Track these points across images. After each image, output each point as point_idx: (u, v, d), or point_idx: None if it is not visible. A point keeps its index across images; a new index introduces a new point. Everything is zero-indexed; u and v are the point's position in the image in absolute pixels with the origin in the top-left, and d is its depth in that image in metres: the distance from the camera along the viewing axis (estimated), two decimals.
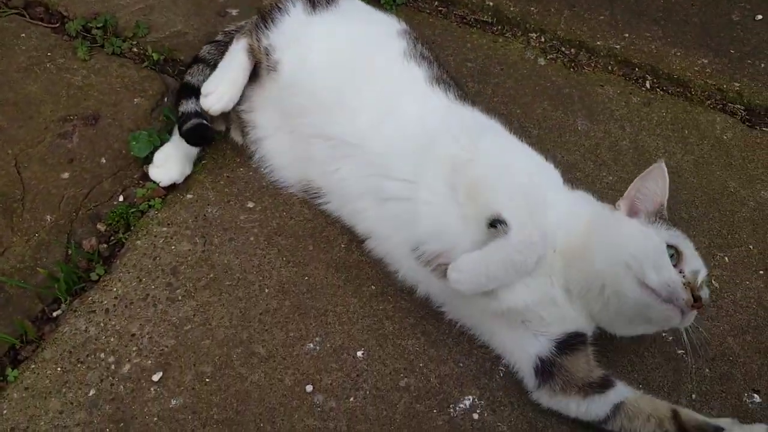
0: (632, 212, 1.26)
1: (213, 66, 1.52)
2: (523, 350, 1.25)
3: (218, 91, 1.43)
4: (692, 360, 1.33)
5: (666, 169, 1.25)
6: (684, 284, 1.13)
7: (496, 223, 1.12)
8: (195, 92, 1.48)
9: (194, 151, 1.53)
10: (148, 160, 1.51)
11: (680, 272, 1.15)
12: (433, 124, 1.30)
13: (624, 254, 1.16)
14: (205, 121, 1.47)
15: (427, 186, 1.24)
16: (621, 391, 1.22)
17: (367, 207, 1.34)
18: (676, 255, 1.18)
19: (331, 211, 1.45)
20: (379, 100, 1.34)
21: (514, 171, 1.23)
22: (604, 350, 1.35)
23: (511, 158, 1.29)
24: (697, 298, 1.13)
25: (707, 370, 1.36)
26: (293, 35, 1.43)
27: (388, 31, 1.48)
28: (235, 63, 1.46)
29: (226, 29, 1.65)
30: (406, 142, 1.29)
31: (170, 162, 1.49)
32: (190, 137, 1.46)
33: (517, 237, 1.10)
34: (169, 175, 1.49)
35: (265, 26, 1.46)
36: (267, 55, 1.44)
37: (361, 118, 1.33)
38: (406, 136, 1.30)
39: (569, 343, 1.22)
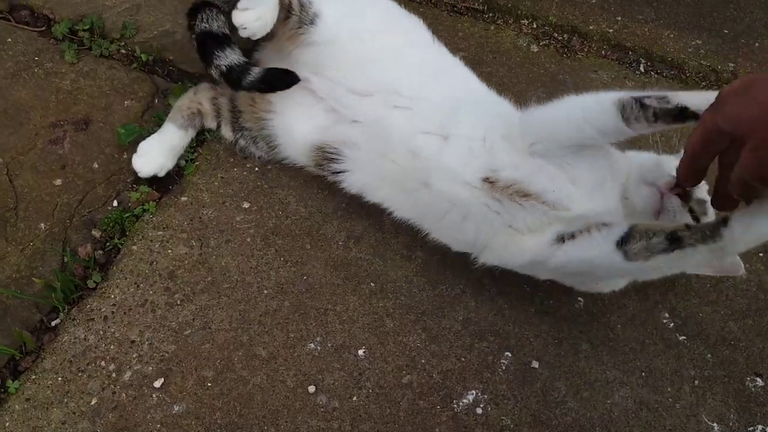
0: None
1: (221, 8, 1.37)
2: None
3: (258, 10, 1.28)
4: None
5: None
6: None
7: None
8: (222, 41, 1.34)
9: (179, 144, 1.51)
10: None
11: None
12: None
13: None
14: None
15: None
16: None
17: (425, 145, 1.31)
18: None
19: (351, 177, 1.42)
20: (430, 66, 1.42)
21: None
22: (606, 339, 1.36)
23: None
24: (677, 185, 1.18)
25: (709, 355, 1.36)
26: None
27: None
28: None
29: None
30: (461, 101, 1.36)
31: (153, 152, 1.48)
32: (274, 83, 1.36)
33: None
34: (149, 166, 1.47)
35: None
36: (302, 6, 1.36)
37: (412, 77, 1.37)
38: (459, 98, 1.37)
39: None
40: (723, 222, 1.00)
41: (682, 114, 1.04)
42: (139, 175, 1.47)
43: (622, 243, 1.11)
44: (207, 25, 1.36)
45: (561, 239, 1.20)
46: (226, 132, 1.54)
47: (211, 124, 1.55)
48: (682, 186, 1.17)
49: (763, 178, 0.78)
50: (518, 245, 1.25)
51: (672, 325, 1.39)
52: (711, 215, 1.21)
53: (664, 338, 1.38)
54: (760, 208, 0.94)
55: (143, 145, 1.49)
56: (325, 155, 1.40)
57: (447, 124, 1.30)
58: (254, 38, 1.32)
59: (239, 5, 1.28)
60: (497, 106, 1.39)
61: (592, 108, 1.15)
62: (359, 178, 1.40)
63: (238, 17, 1.27)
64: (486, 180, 1.24)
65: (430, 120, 1.32)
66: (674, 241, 1.06)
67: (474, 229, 1.28)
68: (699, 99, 1.01)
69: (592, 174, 1.22)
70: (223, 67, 1.34)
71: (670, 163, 1.23)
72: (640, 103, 1.07)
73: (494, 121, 1.29)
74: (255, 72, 1.33)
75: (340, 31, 1.38)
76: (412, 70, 1.38)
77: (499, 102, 1.40)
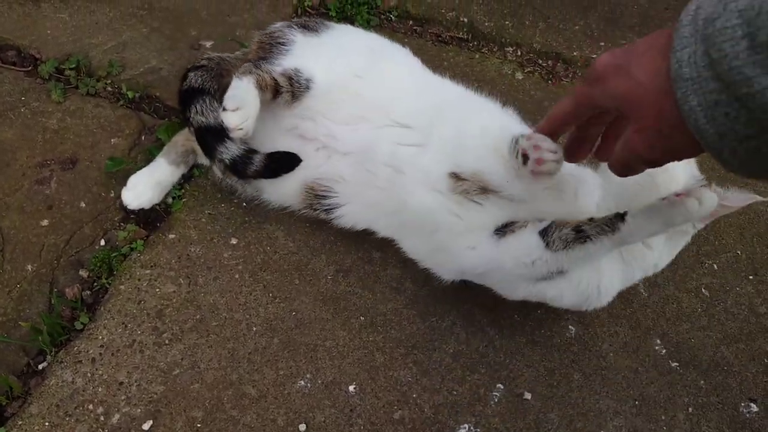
0: None
1: (213, 94, 1.42)
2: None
3: (245, 110, 1.28)
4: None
5: None
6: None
7: None
8: (221, 133, 1.36)
9: (169, 180, 1.51)
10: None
11: None
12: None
13: None
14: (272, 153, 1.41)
15: None
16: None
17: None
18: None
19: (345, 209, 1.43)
20: (415, 85, 1.45)
21: None
22: (598, 368, 1.35)
23: None
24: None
25: (702, 381, 1.36)
26: (314, 53, 1.43)
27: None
28: (250, 91, 1.32)
29: (206, 56, 1.56)
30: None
31: (141, 186, 1.48)
32: (278, 169, 1.41)
33: None
34: (139, 200, 1.47)
35: (272, 59, 1.41)
36: (291, 79, 1.37)
37: (399, 99, 1.39)
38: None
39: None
40: (620, 217, 1.10)
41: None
42: (127, 207, 1.47)
43: (544, 233, 1.18)
44: (204, 119, 1.38)
45: (502, 232, 1.24)
46: (217, 170, 1.53)
47: (203, 160, 1.55)
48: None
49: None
50: (467, 247, 1.28)
51: (664, 351, 1.39)
52: None
53: (657, 365, 1.37)
54: (652, 208, 1.07)
55: (133, 179, 1.49)
56: (317, 194, 1.41)
57: (425, 134, 1.33)
58: (246, 137, 1.32)
59: (227, 104, 1.28)
60: (478, 106, 1.42)
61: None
62: (350, 209, 1.41)
63: (230, 119, 1.27)
64: (452, 175, 1.26)
65: (411, 133, 1.35)
66: (579, 232, 1.14)
67: (442, 241, 1.31)
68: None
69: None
70: (227, 161, 1.38)
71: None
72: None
73: (471, 124, 1.31)
74: (257, 161, 1.38)
75: (331, 82, 1.40)
76: (398, 93, 1.40)
77: (481, 105, 1.42)
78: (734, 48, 0.58)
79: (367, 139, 1.37)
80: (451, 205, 1.27)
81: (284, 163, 1.41)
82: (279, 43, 1.44)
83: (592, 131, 0.90)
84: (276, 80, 1.35)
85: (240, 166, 1.38)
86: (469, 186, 1.25)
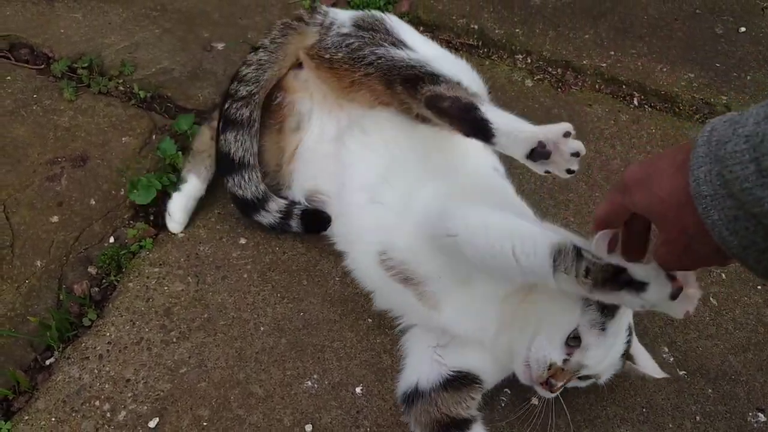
0: None
1: (253, 166, 1.40)
2: (414, 371, 1.26)
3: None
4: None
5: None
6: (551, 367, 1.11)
7: None
8: (258, 206, 1.41)
9: (199, 195, 1.50)
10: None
11: (567, 355, 1.11)
12: None
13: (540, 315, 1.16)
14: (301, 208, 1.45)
15: None
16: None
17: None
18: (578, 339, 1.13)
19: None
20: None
21: None
22: None
23: None
24: (551, 384, 1.11)
25: (710, 390, 1.35)
26: None
27: None
28: None
29: (238, 92, 1.41)
30: None
31: (179, 213, 1.48)
32: (312, 229, 1.47)
33: None
34: (182, 225, 1.49)
35: None
36: None
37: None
38: None
39: (458, 380, 1.23)
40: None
41: (618, 278, 0.95)
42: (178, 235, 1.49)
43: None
44: (242, 192, 1.40)
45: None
46: None
47: None
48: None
49: (682, 268, 0.88)
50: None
51: (672, 359, 1.38)
52: None
53: (665, 373, 1.36)
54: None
55: (172, 207, 1.47)
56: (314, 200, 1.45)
57: (379, 188, 1.32)
58: None
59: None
60: (438, 182, 1.31)
61: (527, 249, 1.05)
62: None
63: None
64: (381, 254, 1.28)
65: (378, 178, 1.34)
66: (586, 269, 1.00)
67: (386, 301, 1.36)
68: (643, 271, 0.94)
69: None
70: (265, 225, 1.44)
71: None
72: (577, 251, 1.00)
73: (422, 200, 1.27)
74: (294, 225, 1.43)
75: None
76: (406, 130, 1.37)
77: (446, 178, 1.32)
78: (744, 171, 0.62)
79: (348, 158, 1.40)
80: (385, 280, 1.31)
81: (318, 224, 1.44)
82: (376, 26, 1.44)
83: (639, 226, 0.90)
84: None
85: (278, 230, 1.45)
86: (395, 268, 1.29)
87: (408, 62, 1.29)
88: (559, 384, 1.11)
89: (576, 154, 1.06)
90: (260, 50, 1.42)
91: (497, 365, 1.24)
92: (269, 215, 1.42)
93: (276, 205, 1.42)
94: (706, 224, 0.67)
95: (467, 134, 1.17)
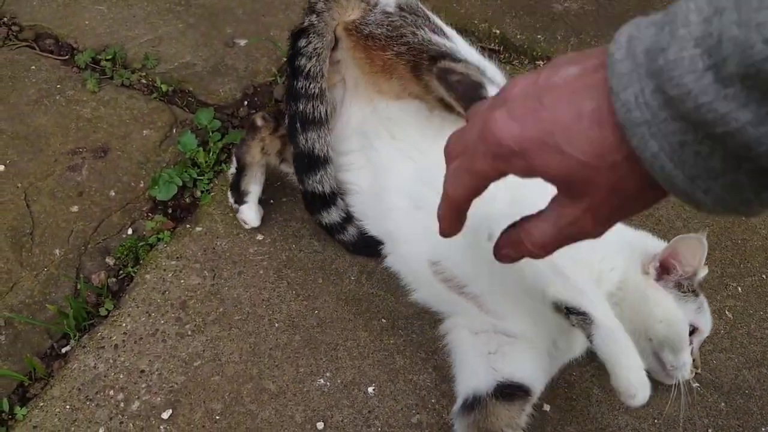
0: (660, 276, 1.24)
1: (326, 121, 1.34)
2: (468, 377, 1.25)
3: None
4: (686, 399, 1.29)
5: (707, 243, 1.22)
6: (693, 365, 1.19)
7: None
8: (328, 201, 1.39)
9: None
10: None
11: (690, 344, 1.20)
12: None
13: (649, 329, 1.20)
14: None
15: None
16: None
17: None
18: (694, 331, 1.22)
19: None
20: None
21: None
22: None
23: None
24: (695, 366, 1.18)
25: (722, 404, 1.34)
26: None
27: None
28: None
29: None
30: None
31: (254, 219, 1.49)
32: (361, 251, 1.47)
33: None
34: (256, 223, 1.50)
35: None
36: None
37: (432, 138, 1.37)
38: None
39: (511, 391, 1.21)
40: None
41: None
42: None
43: None
44: (321, 188, 1.37)
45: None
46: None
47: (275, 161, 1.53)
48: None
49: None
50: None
51: None
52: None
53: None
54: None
55: (246, 217, 1.48)
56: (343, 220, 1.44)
57: (424, 194, 1.30)
58: None
59: None
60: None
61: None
62: (360, 210, 1.44)
63: None
64: (434, 264, 1.28)
65: (417, 182, 1.33)
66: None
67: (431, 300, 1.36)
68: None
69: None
70: (324, 223, 1.42)
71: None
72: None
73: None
74: (349, 234, 1.44)
75: None
76: (434, 133, 1.35)
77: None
78: (699, 83, 0.47)
79: (390, 158, 1.40)
80: (435, 287, 1.32)
81: (367, 248, 1.44)
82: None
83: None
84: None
85: (333, 231, 1.44)
86: (448, 277, 1.30)
87: (441, 45, 1.28)
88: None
89: None
90: (311, 34, 1.32)
91: (549, 372, 1.26)
92: (336, 212, 1.40)
93: (343, 203, 1.42)
94: (643, 158, 0.51)
95: (467, 111, 1.14)
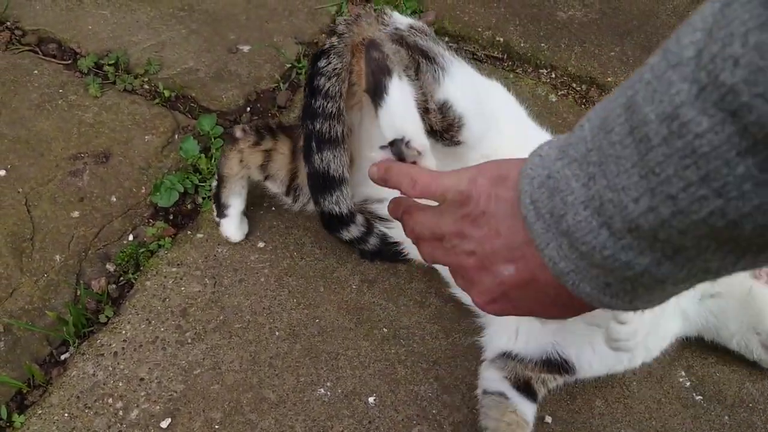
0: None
1: (348, 182, 1.33)
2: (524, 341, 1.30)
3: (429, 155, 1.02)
4: None
5: None
6: None
7: None
8: (347, 221, 1.36)
9: (243, 208, 1.48)
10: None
11: None
12: None
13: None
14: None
15: None
16: None
17: None
18: None
19: None
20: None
21: None
22: (621, 396, 1.33)
23: None
24: None
25: (726, 417, 1.33)
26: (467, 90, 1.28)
27: None
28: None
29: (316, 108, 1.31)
30: None
31: (236, 234, 1.48)
32: (384, 258, 1.48)
33: None
34: (238, 239, 1.49)
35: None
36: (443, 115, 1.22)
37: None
38: None
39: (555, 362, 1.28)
40: None
41: None
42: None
43: None
44: (338, 209, 1.34)
45: None
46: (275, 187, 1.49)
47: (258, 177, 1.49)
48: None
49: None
50: None
51: (689, 384, 1.37)
52: None
53: (681, 397, 1.35)
54: None
55: (227, 232, 1.47)
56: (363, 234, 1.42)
57: None
58: None
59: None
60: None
61: None
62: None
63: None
64: None
65: None
66: None
67: None
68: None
69: None
70: (345, 238, 1.41)
71: None
72: None
73: None
74: (371, 244, 1.43)
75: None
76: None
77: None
78: (597, 239, 0.55)
79: None
80: None
81: (389, 257, 1.46)
82: (426, 34, 1.35)
83: None
84: (427, 107, 1.21)
85: (354, 245, 1.44)
86: None
87: (435, 50, 1.26)
88: None
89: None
90: (331, 55, 1.31)
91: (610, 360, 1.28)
92: (355, 228, 1.38)
93: (361, 218, 1.40)
94: (582, 297, 0.60)
95: (366, 89, 1.10)
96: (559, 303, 0.65)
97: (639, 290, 0.57)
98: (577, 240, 0.56)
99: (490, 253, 0.67)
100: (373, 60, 1.11)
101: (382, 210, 1.38)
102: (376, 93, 1.05)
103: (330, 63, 1.31)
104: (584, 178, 0.55)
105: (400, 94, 1.05)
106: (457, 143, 1.22)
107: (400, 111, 1.04)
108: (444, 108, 1.20)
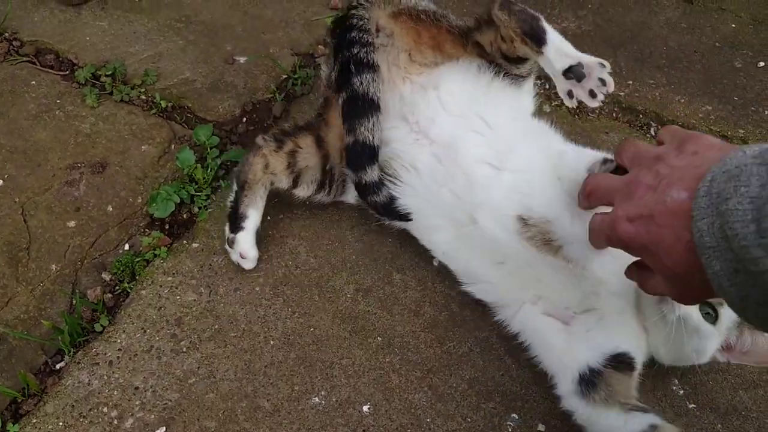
0: None
1: (377, 71, 1.37)
2: (572, 357, 1.26)
3: None
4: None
5: None
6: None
7: None
8: (374, 155, 1.37)
9: (258, 225, 1.46)
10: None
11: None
12: None
13: None
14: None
15: None
16: (657, 418, 1.19)
17: None
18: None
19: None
20: (513, 110, 1.47)
21: None
22: None
23: None
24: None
25: (719, 425, 1.34)
26: None
27: None
28: None
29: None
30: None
31: (251, 251, 1.44)
32: (390, 215, 1.43)
33: None
34: (253, 262, 1.46)
35: None
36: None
37: (496, 112, 1.42)
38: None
39: (618, 360, 1.24)
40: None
41: None
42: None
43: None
44: (371, 137, 1.34)
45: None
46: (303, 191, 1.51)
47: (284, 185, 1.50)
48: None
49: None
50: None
51: (682, 392, 1.37)
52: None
53: (674, 406, 1.35)
54: None
55: (244, 248, 1.42)
56: (385, 172, 1.42)
57: (505, 158, 1.33)
58: None
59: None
60: (557, 146, 1.38)
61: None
62: (412, 203, 1.40)
63: None
64: (520, 218, 1.27)
65: (493, 151, 1.34)
66: None
67: (508, 280, 1.34)
68: None
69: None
70: (364, 180, 1.37)
71: None
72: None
73: (549, 161, 1.30)
74: (382, 196, 1.39)
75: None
76: (496, 106, 1.40)
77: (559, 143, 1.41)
78: (744, 230, 0.64)
79: (455, 134, 1.37)
80: (521, 249, 1.28)
81: (398, 214, 1.41)
82: None
83: None
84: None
85: (368, 191, 1.38)
86: (535, 233, 1.26)
87: None
88: None
89: (603, 82, 1.23)
90: (355, 18, 1.41)
91: (644, 342, 1.28)
92: (375, 172, 1.37)
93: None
94: (708, 274, 0.70)
95: (524, 33, 1.29)
96: (678, 264, 0.77)
97: (755, 290, 0.66)
98: (728, 223, 0.66)
99: (676, 178, 0.78)
100: (519, 11, 1.30)
101: (411, 179, 1.41)
102: (536, 35, 1.29)
103: (360, 14, 1.41)
104: (764, 180, 0.65)
105: (551, 29, 1.30)
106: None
107: (563, 42, 1.30)
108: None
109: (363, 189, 1.39)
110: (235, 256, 1.44)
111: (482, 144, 1.36)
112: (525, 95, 1.48)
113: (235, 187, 1.45)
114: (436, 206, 1.38)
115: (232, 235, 1.43)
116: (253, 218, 1.43)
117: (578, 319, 1.28)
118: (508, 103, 1.43)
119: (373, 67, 1.36)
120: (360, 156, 1.35)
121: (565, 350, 1.28)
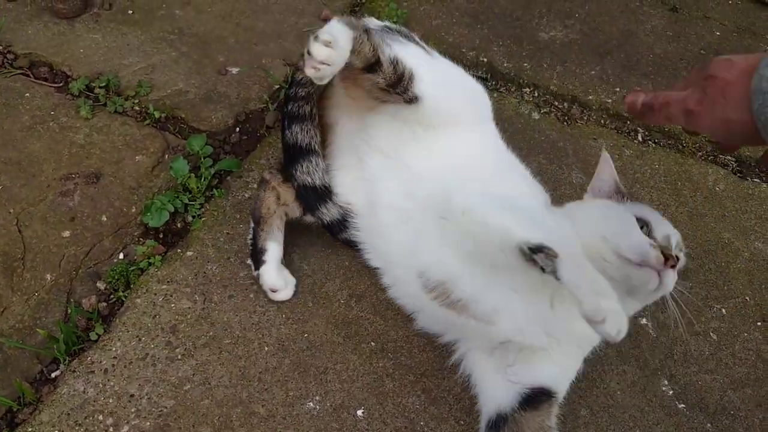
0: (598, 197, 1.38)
1: (320, 153, 1.44)
2: (491, 398, 1.27)
3: (336, 52, 1.17)
4: (683, 329, 1.36)
5: (609, 156, 1.42)
6: (653, 245, 1.16)
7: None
8: (323, 195, 1.43)
9: (281, 256, 1.46)
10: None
11: (653, 240, 1.19)
12: None
13: (599, 229, 1.21)
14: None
15: None
16: None
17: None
18: (645, 227, 1.22)
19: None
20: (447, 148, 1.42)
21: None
22: (606, 406, 1.36)
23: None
24: (668, 257, 1.14)
25: (708, 424, 1.36)
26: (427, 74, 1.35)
27: None
28: (346, 38, 1.20)
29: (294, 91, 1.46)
30: None
31: (279, 282, 1.43)
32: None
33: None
34: (287, 291, 1.45)
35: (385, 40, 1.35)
36: (395, 66, 1.28)
37: (422, 153, 1.40)
38: None
39: (535, 397, 1.23)
40: None
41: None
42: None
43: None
44: (310, 179, 1.42)
45: None
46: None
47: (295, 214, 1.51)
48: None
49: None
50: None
51: (671, 392, 1.39)
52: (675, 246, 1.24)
53: (664, 406, 1.37)
54: None
55: (270, 281, 1.42)
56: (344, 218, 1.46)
57: (408, 208, 1.35)
58: (321, 83, 1.25)
59: (321, 35, 1.16)
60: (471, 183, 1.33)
61: None
62: (360, 234, 1.45)
63: (318, 50, 1.15)
64: (420, 275, 1.30)
65: (401, 196, 1.36)
66: None
67: (432, 324, 1.39)
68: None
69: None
70: (325, 221, 1.44)
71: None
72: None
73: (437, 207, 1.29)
74: (349, 233, 1.45)
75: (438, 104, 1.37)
76: (427, 149, 1.38)
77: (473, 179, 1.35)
78: None
79: (378, 173, 1.41)
80: (430, 305, 1.32)
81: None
82: (398, 32, 1.47)
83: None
84: (378, 57, 1.25)
85: (335, 230, 1.45)
86: (439, 293, 1.28)
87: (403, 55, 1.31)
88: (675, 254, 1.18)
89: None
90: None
91: (568, 365, 1.28)
92: (334, 209, 1.43)
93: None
94: (758, 120, 0.80)
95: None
96: (734, 111, 0.86)
97: None
98: None
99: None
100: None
101: (361, 217, 1.44)
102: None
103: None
104: None
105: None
106: (414, 98, 1.30)
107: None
108: (394, 62, 1.28)
109: (329, 229, 1.46)
110: (269, 294, 1.44)
111: (398, 186, 1.38)
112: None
113: (252, 225, 1.47)
114: (370, 239, 1.45)
115: (256, 273, 1.44)
116: (272, 250, 1.43)
117: (498, 352, 1.29)
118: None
119: (303, 117, 1.43)
120: (307, 198, 1.43)
121: (485, 390, 1.29)
